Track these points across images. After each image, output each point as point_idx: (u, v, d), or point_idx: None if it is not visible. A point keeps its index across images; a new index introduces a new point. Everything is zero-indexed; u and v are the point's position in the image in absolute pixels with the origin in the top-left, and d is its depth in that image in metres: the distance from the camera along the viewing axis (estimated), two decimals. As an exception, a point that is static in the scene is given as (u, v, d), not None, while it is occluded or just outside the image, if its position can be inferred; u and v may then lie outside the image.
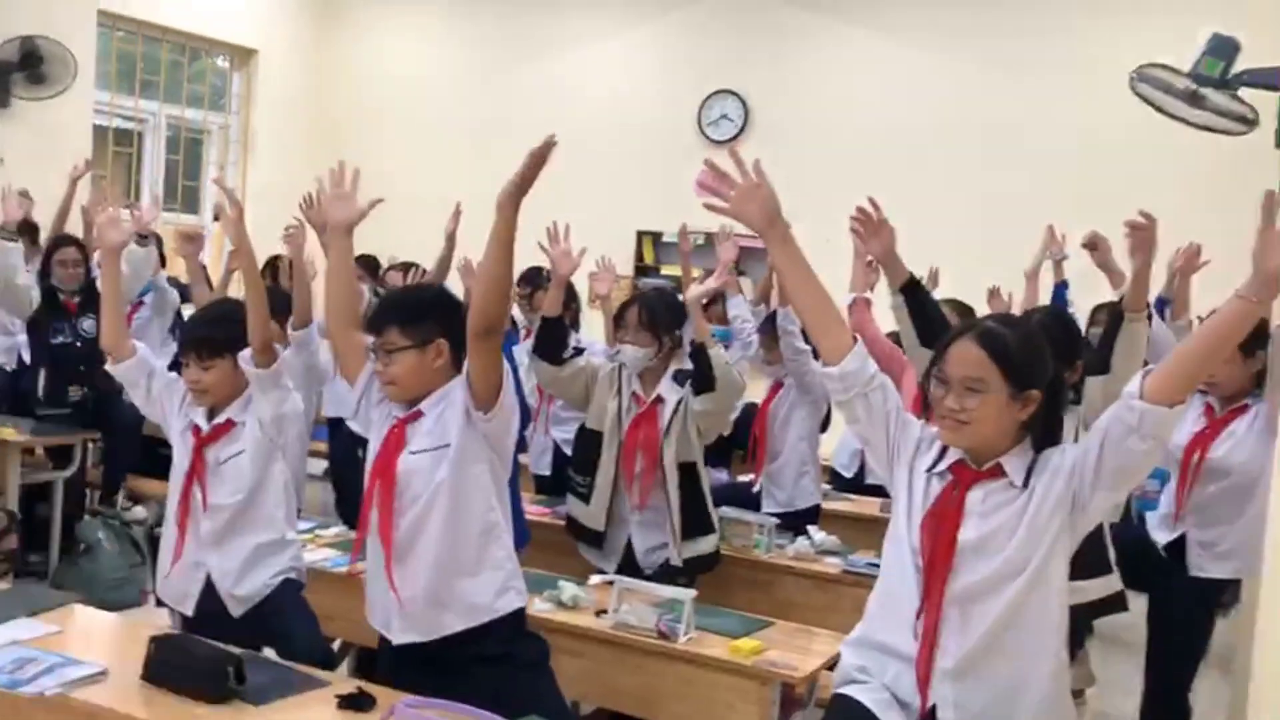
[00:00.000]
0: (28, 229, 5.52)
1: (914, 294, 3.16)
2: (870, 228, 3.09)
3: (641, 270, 7.95)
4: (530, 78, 8.37)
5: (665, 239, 7.81)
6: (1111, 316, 3.35)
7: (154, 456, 5.56)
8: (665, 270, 7.74)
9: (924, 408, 2.19)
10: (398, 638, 2.63)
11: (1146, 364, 2.12)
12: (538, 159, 2.42)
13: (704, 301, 3.82)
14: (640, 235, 7.99)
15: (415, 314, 2.59)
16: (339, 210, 2.75)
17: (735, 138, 7.61)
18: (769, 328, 4.59)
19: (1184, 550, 3.73)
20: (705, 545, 3.78)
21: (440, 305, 2.67)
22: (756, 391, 4.96)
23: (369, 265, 5.69)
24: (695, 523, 3.74)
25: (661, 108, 8.00)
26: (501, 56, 8.54)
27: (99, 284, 3.38)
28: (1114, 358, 3.19)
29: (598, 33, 8.28)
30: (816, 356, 2.35)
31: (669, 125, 7.93)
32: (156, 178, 8.36)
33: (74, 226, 6.00)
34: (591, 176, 7.94)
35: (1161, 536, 3.81)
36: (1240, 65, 4.86)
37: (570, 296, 4.90)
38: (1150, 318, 3.30)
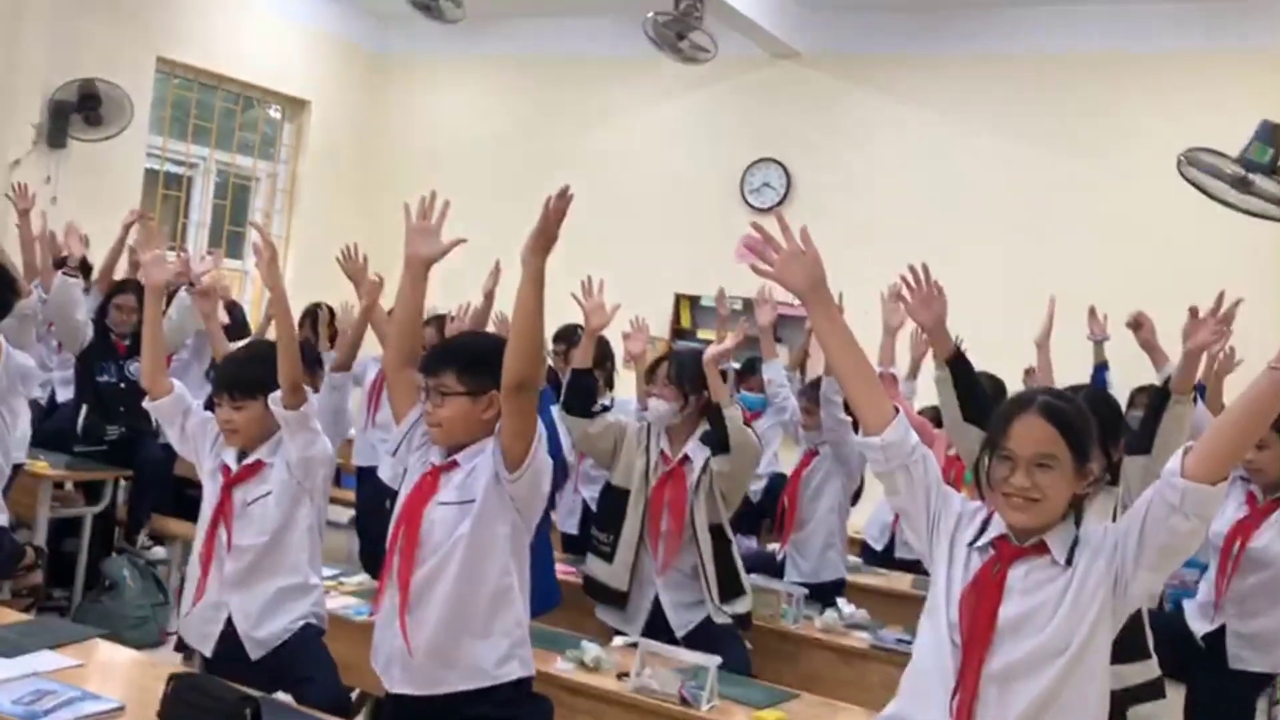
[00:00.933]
0: (83, 267, 5.62)
1: (960, 367, 3.12)
2: (920, 296, 3.05)
3: (679, 333, 7.95)
4: (575, 141, 8.47)
5: (703, 303, 7.82)
6: (1155, 397, 3.31)
7: (183, 498, 5.58)
8: (702, 334, 7.73)
9: (979, 486, 2.14)
10: (395, 687, 2.59)
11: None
12: (556, 211, 2.42)
13: (736, 368, 3.78)
14: (679, 298, 8.01)
15: (475, 361, 2.55)
16: (421, 244, 2.67)
17: (777, 206, 7.65)
18: (811, 393, 4.56)
19: (1223, 641, 3.65)
20: (741, 606, 3.74)
21: (501, 358, 2.57)
22: (790, 460, 4.91)
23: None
24: (729, 585, 3.69)
25: (704, 174, 8.06)
26: (547, 119, 8.65)
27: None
28: (1157, 439, 3.15)
29: (644, 99, 8.38)
30: (856, 429, 2.31)
31: (711, 191, 7.99)
32: (203, 221, 8.50)
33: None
34: (633, 239, 8.02)
35: (1200, 626, 3.73)
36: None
37: (605, 355, 4.90)
38: (1196, 401, 3.25)
